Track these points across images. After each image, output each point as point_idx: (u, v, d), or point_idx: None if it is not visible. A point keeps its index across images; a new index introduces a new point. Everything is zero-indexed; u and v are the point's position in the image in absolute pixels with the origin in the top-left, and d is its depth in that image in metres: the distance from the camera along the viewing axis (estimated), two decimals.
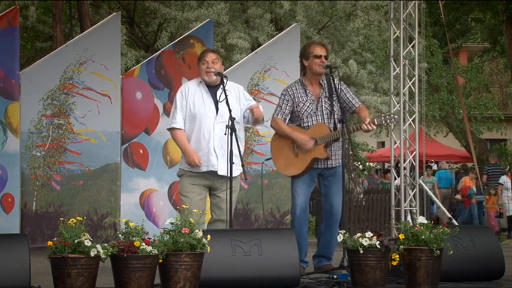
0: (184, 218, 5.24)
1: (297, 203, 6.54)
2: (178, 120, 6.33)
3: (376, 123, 6.54)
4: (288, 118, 6.60)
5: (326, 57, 6.53)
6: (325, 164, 6.52)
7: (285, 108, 6.56)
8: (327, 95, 6.53)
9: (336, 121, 6.49)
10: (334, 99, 6.50)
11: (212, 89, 6.35)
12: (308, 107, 6.52)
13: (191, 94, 6.33)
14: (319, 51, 6.51)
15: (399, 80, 10.45)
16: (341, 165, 6.55)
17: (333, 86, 6.53)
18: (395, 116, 6.73)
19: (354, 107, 6.59)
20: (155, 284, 5.22)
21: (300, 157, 6.48)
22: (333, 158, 6.52)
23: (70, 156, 9.14)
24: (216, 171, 6.25)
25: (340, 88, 6.57)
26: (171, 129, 6.40)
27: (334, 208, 6.54)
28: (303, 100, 6.53)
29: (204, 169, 6.26)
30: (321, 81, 6.58)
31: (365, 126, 6.45)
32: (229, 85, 6.34)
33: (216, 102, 6.28)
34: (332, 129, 6.47)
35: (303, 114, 6.52)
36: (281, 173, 6.86)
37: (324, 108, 6.52)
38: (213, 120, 6.27)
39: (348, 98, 6.59)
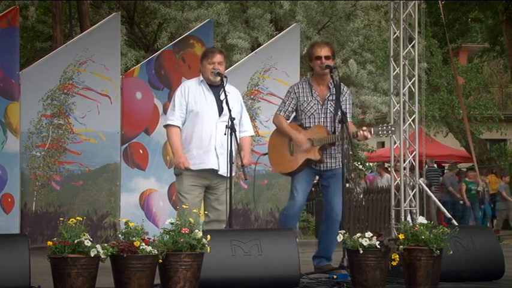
0: (184, 218, 5.23)
1: (296, 200, 6.55)
2: (175, 117, 6.32)
3: (372, 132, 6.53)
4: (291, 116, 6.64)
5: (329, 57, 6.52)
6: (323, 167, 6.53)
7: (288, 106, 6.60)
8: (334, 98, 6.53)
9: (337, 122, 6.49)
10: (342, 100, 6.52)
11: (214, 88, 6.36)
12: (312, 107, 6.53)
13: (192, 92, 6.33)
14: (319, 52, 6.52)
15: (399, 80, 10.45)
16: (341, 167, 6.55)
17: (336, 86, 6.55)
18: (393, 128, 6.71)
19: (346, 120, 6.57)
20: (155, 284, 5.22)
21: (294, 156, 6.51)
22: (332, 160, 6.54)
23: (70, 156, 9.13)
24: (216, 170, 6.25)
25: (345, 96, 6.60)
26: (167, 126, 6.39)
27: (334, 210, 6.53)
28: (308, 100, 6.54)
29: (203, 166, 6.25)
30: (329, 84, 6.58)
31: (361, 133, 6.42)
32: (229, 87, 6.36)
33: (219, 101, 6.28)
34: (330, 132, 6.48)
35: (305, 114, 6.53)
36: (274, 169, 6.89)
37: (328, 111, 6.53)
38: (216, 119, 6.27)
39: (346, 107, 6.59)
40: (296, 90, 6.60)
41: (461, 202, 17.87)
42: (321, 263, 6.63)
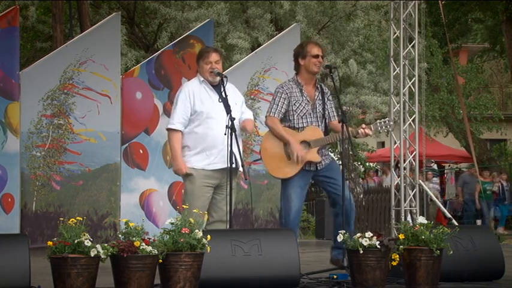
0: (185, 218, 5.23)
1: (291, 207, 6.43)
2: (177, 121, 6.29)
3: (372, 129, 6.51)
4: (282, 117, 6.54)
5: (322, 58, 6.53)
6: (319, 166, 6.51)
7: (281, 107, 6.49)
8: (321, 98, 6.53)
9: (327, 123, 6.51)
10: (326, 101, 6.52)
11: (216, 87, 6.35)
12: (304, 107, 6.49)
13: (197, 94, 6.29)
14: (316, 51, 6.50)
15: (399, 80, 10.45)
16: (332, 160, 6.54)
17: (333, 87, 6.56)
18: (392, 123, 6.70)
19: (332, 119, 6.58)
20: (155, 284, 5.22)
21: (293, 160, 6.43)
22: (324, 157, 6.53)
23: (70, 156, 9.14)
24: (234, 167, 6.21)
25: (328, 97, 6.59)
26: (168, 130, 6.36)
27: (347, 199, 6.38)
28: (299, 100, 6.50)
29: (220, 166, 6.21)
30: (317, 84, 6.57)
31: (362, 131, 6.42)
32: (229, 85, 6.35)
33: (223, 100, 6.26)
34: (323, 133, 6.47)
35: (298, 114, 6.48)
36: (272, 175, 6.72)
37: (318, 111, 6.52)
38: (225, 118, 6.22)
39: (332, 107, 6.62)
40: (287, 91, 6.51)
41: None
42: (340, 255, 6.49)
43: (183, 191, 6.48)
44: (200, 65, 6.36)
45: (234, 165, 6.17)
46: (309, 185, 6.82)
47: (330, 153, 6.66)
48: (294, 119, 6.49)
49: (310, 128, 6.47)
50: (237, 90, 6.55)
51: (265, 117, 6.63)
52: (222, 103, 6.25)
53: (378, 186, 18.08)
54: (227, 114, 6.22)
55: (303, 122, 6.49)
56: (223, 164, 6.20)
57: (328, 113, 6.56)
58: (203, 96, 6.30)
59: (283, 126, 6.50)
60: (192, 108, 6.28)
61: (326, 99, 6.54)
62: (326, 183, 6.59)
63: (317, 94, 6.55)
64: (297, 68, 6.61)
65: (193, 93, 6.30)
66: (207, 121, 6.25)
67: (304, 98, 6.50)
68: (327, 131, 6.51)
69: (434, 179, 18.96)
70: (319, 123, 6.51)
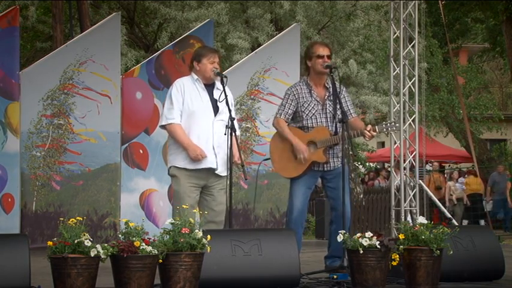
0: (184, 218, 5.23)
1: (295, 205, 6.50)
2: (175, 115, 6.25)
3: (377, 130, 6.53)
4: (290, 118, 6.60)
5: (329, 57, 6.55)
6: (327, 167, 6.52)
7: (289, 109, 6.56)
8: (332, 98, 6.54)
9: (337, 121, 6.49)
10: (333, 99, 6.52)
11: (208, 87, 6.35)
12: (313, 107, 6.52)
13: (187, 90, 6.29)
14: (321, 51, 6.54)
15: (399, 80, 10.44)
16: (342, 165, 6.53)
17: (334, 86, 6.56)
18: (397, 124, 6.72)
19: (350, 116, 6.57)
20: (155, 284, 5.22)
21: (299, 160, 6.47)
22: (335, 159, 6.53)
23: (70, 157, 9.13)
24: (214, 169, 6.23)
25: (343, 94, 6.60)
26: (168, 125, 6.28)
27: (346, 208, 6.44)
28: (308, 100, 6.53)
29: (201, 166, 6.21)
30: (326, 84, 6.58)
31: (367, 133, 6.42)
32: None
33: (213, 100, 6.27)
34: (333, 133, 6.48)
35: (307, 114, 6.52)
36: (280, 174, 6.85)
37: (328, 111, 6.53)
38: (212, 118, 6.25)
39: (347, 105, 6.60)
40: (295, 92, 6.58)
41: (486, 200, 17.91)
42: (334, 262, 6.54)
43: None
44: (203, 63, 6.32)
45: (215, 168, 6.18)
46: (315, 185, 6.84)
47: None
48: (303, 119, 6.54)
49: (317, 128, 6.50)
50: (230, 93, 6.52)
51: (273, 118, 6.68)
52: (211, 103, 6.26)
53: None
54: (215, 114, 6.24)
55: (312, 122, 6.53)
56: (207, 164, 6.20)
57: (344, 111, 6.50)
58: (193, 94, 6.29)
59: (290, 127, 6.56)
60: (183, 102, 6.27)
61: (341, 98, 6.52)
62: (329, 188, 6.61)
63: (327, 94, 6.56)
64: (307, 69, 6.69)
65: (184, 88, 6.30)
66: (192, 119, 6.23)
67: (313, 99, 6.54)
68: (337, 130, 6.51)
69: (461, 178, 18.90)
70: (329, 123, 6.52)
